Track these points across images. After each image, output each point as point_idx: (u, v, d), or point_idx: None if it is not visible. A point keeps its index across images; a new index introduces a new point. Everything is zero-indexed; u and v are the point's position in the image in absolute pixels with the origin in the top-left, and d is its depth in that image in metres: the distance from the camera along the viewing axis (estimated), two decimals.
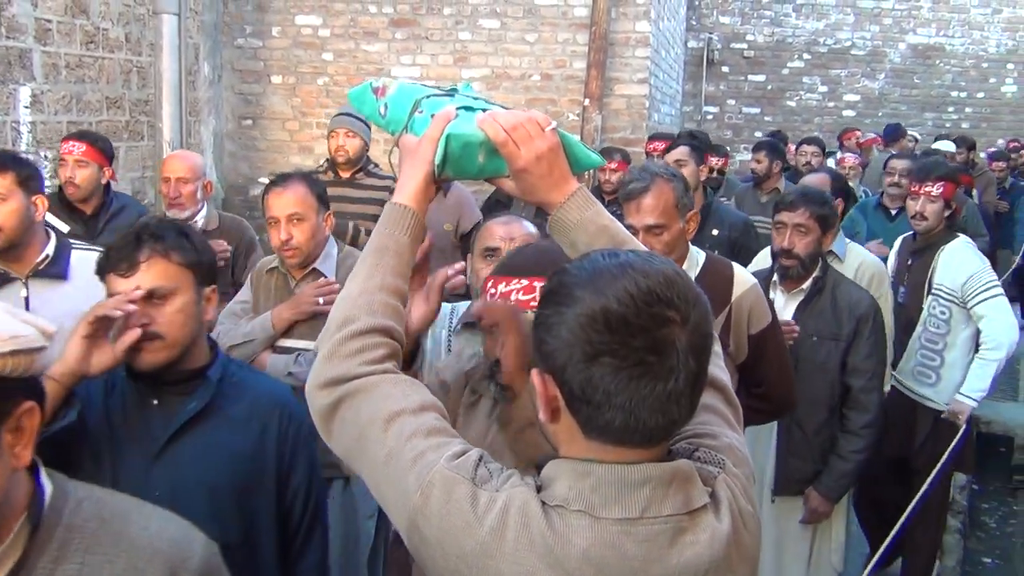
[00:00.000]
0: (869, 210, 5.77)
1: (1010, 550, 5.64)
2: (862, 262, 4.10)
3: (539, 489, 1.21)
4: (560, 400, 1.19)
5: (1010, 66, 12.42)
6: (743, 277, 2.81)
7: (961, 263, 4.04)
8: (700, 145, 5.34)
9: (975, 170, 8.45)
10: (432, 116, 1.50)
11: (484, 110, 1.50)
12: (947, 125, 12.24)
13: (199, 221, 4.02)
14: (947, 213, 4.18)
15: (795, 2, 12.48)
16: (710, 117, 12.55)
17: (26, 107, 5.35)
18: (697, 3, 12.37)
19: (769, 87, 12.60)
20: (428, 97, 1.56)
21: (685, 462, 1.22)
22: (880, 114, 12.47)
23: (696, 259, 2.83)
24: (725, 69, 12.56)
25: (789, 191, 4.36)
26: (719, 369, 1.43)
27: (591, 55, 7.30)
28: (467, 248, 4.67)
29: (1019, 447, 6.59)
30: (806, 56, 12.54)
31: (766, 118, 12.52)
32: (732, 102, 12.63)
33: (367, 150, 4.88)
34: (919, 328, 4.17)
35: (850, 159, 7.70)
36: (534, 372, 1.23)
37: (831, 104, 12.60)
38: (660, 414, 1.15)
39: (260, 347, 3.11)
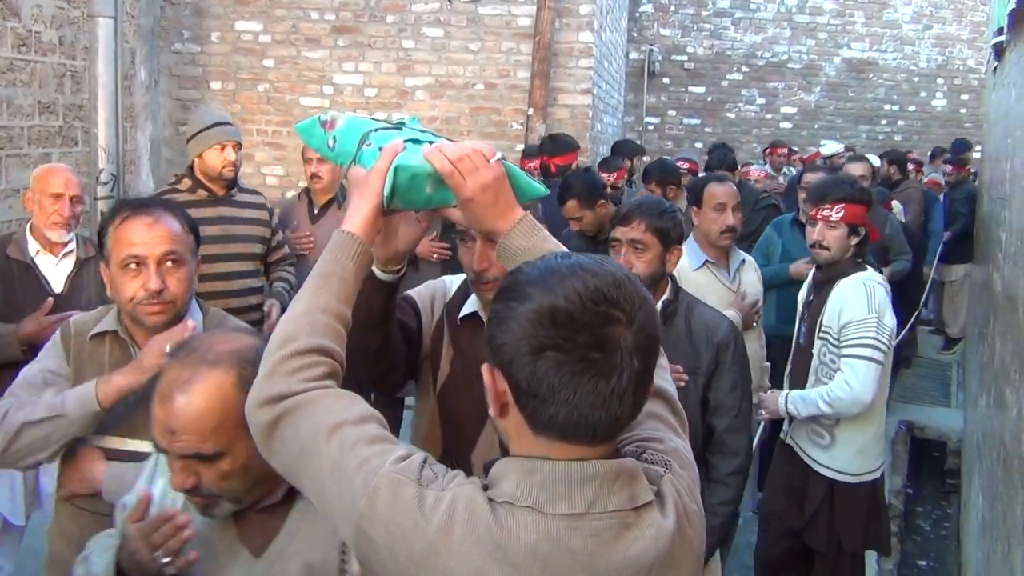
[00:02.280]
0: (784, 228, 5.08)
1: (944, 552, 5.77)
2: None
3: (486, 488, 1.23)
4: (508, 395, 1.22)
5: (940, 81, 12.78)
6: None
7: (847, 304, 3.38)
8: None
9: (900, 185, 8.11)
10: (380, 149, 1.53)
11: (431, 143, 1.53)
12: (880, 137, 12.55)
13: (72, 246, 3.53)
14: (854, 240, 3.49)
15: (734, 16, 12.69)
16: (651, 128, 12.69)
17: None
18: (638, 15, 12.51)
19: (709, 99, 12.79)
20: (376, 131, 1.59)
21: (631, 460, 1.25)
22: (816, 126, 12.74)
23: None
24: (666, 81, 12.71)
25: (624, 204, 4.20)
26: (665, 381, 1.47)
27: (535, 65, 7.32)
28: None
29: (952, 452, 6.76)
30: (744, 69, 12.75)
31: (706, 129, 12.70)
32: (673, 113, 12.78)
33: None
34: (811, 378, 3.56)
35: (755, 172, 7.31)
36: (484, 367, 1.26)
37: (768, 116, 12.82)
38: (603, 410, 1.17)
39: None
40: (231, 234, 4.05)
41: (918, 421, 6.96)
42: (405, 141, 1.52)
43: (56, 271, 3.46)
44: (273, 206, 4.51)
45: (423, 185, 1.50)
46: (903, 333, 5.63)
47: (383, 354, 1.95)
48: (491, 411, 1.27)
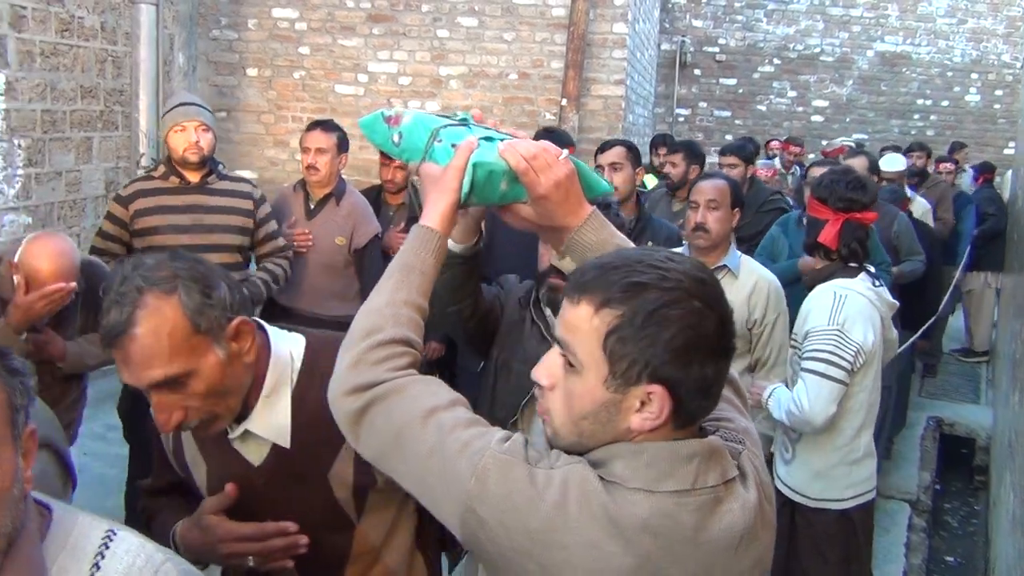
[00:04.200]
0: (791, 226, 4.81)
1: (972, 549, 5.78)
2: (757, 280, 3.38)
3: (593, 467, 1.28)
4: (668, 411, 1.25)
5: (974, 75, 12.66)
6: None
7: (811, 311, 3.10)
8: (637, 149, 5.09)
9: (928, 180, 7.87)
10: (453, 145, 1.55)
11: (502, 139, 1.57)
12: (913, 132, 12.45)
13: None
14: (845, 246, 3.17)
15: (766, 7, 12.63)
16: (681, 119, 12.67)
17: (0, 94, 5.28)
18: (670, 6, 12.48)
19: (740, 91, 12.75)
20: (445, 127, 1.61)
21: (717, 438, 1.31)
22: (848, 120, 12.67)
23: None
24: (697, 72, 12.68)
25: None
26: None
27: (569, 55, 7.35)
28: (361, 264, 4.42)
29: (981, 448, 6.75)
30: (776, 61, 12.70)
31: (736, 121, 12.66)
32: (703, 105, 12.75)
33: (214, 147, 4.05)
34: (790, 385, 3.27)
35: (762, 171, 6.96)
36: (650, 386, 1.25)
37: (800, 109, 12.76)
38: (718, 391, 1.30)
39: None
40: (204, 224, 3.83)
41: (947, 417, 6.96)
42: (480, 139, 1.55)
43: None
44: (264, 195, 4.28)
45: (498, 182, 1.54)
46: (913, 339, 5.42)
47: (472, 317, 2.30)
48: (645, 427, 1.27)
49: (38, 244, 2.93)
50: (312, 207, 4.44)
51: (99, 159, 6.33)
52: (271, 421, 1.70)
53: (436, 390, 1.39)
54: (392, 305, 1.47)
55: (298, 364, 1.73)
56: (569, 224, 1.55)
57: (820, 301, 3.08)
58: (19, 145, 5.45)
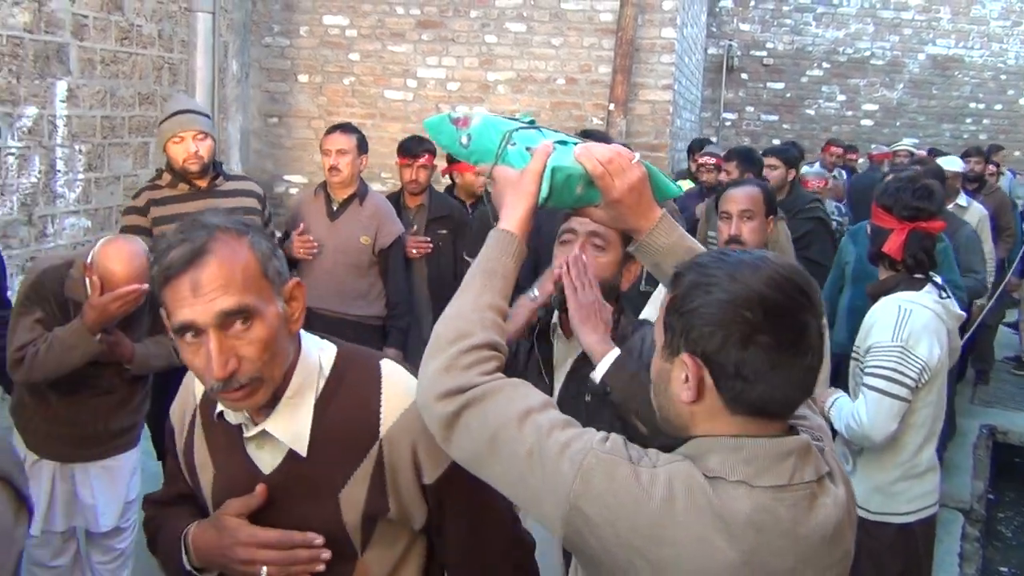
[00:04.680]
0: (860, 236, 4.60)
1: None
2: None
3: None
4: (708, 380, 1.31)
5: None
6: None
7: (875, 326, 3.01)
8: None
9: (986, 187, 7.60)
10: (527, 149, 1.58)
11: (575, 143, 1.59)
12: (965, 136, 12.25)
13: None
14: (911, 256, 3.08)
15: (815, 11, 12.53)
16: (728, 124, 12.60)
17: (62, 101, 5.43)
18: (717, 10, 12.42)
19: (788, 95, 12.65)
20: (517, 130, 1.63)
21: (807, 436, 1.36)
22: (898, 124, 12.51)
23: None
24: (744, 76, 12.61)
25: None
26: None
27: (617, 60, 7.36)
28: (386, 264, 4.46)
29: None
30: (825, 65, 12.58)
31: (784, 126, 12.57)
32: (751, 109, 12.67)
33: (215, 149, 4.04)
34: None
35: (813, 182, 6.73)
36: (685, 355, 1.34)
37: (849, 113, 12.63)
38: (800, 388, 1.32)
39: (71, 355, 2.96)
40: None
41: (1000, 426, 6.84)
42: (555, 143, 1.57)
43: None
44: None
45: (575, 185, 1.56)
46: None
47: None
48: (685, 396, 1.34)
49: (112, 247, 3.02)
50: (335, 208, 4.46)
51: (155, 164, 6.47)
52: (290, 425, 1.59)
53: (527, 392, 1.43)
54: (478, 310, 1.50)
55: (327, 372, 1.64)
56: (641, 227, 1.59)
57: (884, 315, 2.99)
58: (80, 151, 5.59)
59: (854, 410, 2.97)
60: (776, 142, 11.17)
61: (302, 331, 1.66)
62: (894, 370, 2.91)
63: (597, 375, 1.85)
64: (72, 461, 3.28)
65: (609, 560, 1.31)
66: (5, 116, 4.99)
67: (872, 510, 3.06)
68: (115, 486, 3.37)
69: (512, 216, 1.56)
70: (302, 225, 4.41)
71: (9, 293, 3.75)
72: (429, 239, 4.74)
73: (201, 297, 1.43)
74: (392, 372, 1.66)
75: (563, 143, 1.59)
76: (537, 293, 2.05)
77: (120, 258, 2.97)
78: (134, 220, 3.90)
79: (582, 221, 2.37)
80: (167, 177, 3.92)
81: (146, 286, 2.99)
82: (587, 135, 5.07)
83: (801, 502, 1.30)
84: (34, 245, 5.24)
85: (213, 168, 3.96)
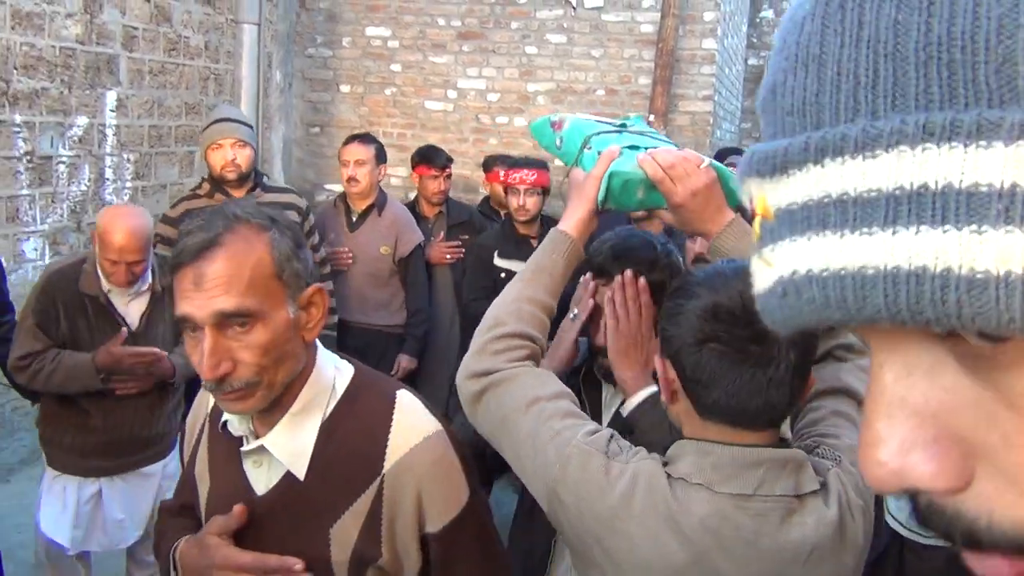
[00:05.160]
0: None
1: None
2: None
3: (664, 464, 1.38)
4: (677, 383, 1.37)
5: None
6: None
7: None
8: None
9: None
10: (599, 153, 1.64)
11: (649, 147, 1.63)
12: None
13: (147, 281, 3.24)
14: None
15: None
16: None
17: (112, 111, 5.55)
18: (758, 20, 12.37)
19: None
20: (598, 134, 1.70)
21: (799, 451, 1.37)
22: None
23: None
24: None
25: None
26: (858, 380, 1.54)
27: (657, 71, 7.36)
28: (406, 273, 4.52)
29: None
30: None
31: None
32: None
33: (255, 160, 3.98)
34: None
35: None
36: (656, 357, 1.42)
37: None
38: (760, 398, 1.31)
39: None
40: None
41: None
42: (624, 147, 1.63)
43: (130, 308, 3.21)
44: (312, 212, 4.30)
45: (635, 189, 1.61)
46: None
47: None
48: (663, 396, 1.43)
49: (115, 213, 3.06)
50: (354, 220, 4.50)
51: (200, 172, 6.58)
52: (291, 443, 1.49)
53: (544, 382, 1.53)
54: (518, 301, 1.60)
55: (339, 393, 1.54)
56: (709, 231, 1.60)
57: None
58: (128, 159, 5.71)
59: None
60: None
61: (321, 347, 1.57)
62: None
63: (626, 410, 1.81)
64: (100, 475, 3.24)
65: (576, 543, 1.41)
66: (57, 126, 5.10)
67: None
68: (145, 497, 3.34)
69: (570, 217, 1.64)
70: (331, 235, 4.48)
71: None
72: (459, 243, 4.81)
73: (202, 292, 1.36)
74: (407, 404, 1.56)
75: (634, 147, 1.63)
76: (577, 311, 1.99)
77: (121, 229, 2.98)
78: (162, 230, 3.85)
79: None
80: (206, 186, 3.93)
81: (165, 354, 3.11)
82: (725, 153, 4.99)
83: (770, 514, 1.31)
84: (83, 252, 5.35)
85: (253, 179, 3.93)
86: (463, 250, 4.79)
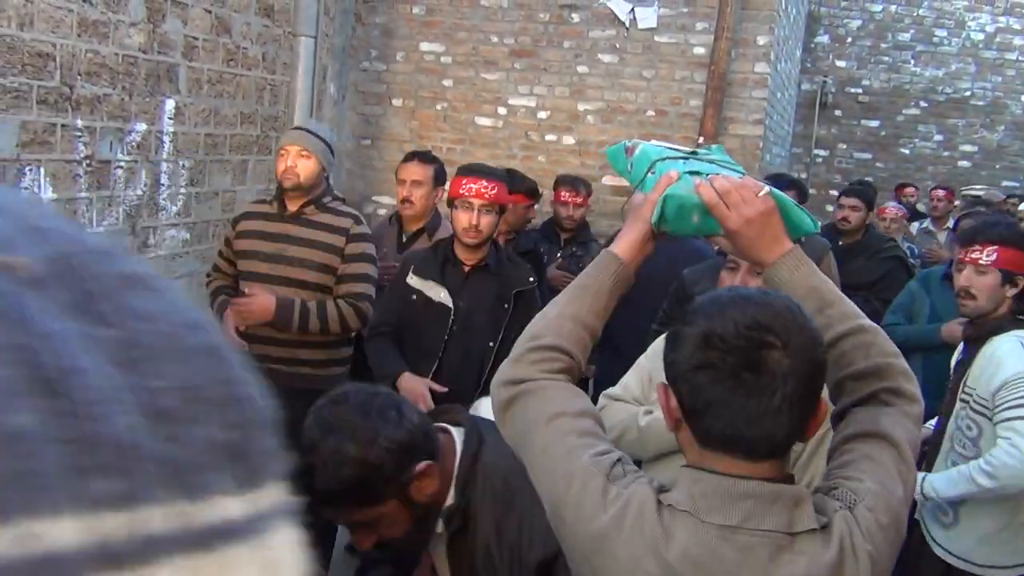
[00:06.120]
0: (934, 284, 4.33)
1: None
2: None
3: (662, 490, 1.40)
4: (678, 410, 1.38)
5: None
6: None
7: (1001, 363, 2.85)
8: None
9: None
10: (660, 176, 1.69)
11: (714, 173, 1.66)
12: None
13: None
14: (1011, 291, 2.99)
15: (914, 49, 12.28)
16: (820, 160, 12.42)
17: (170, 118, 5.67)
18: (813, 46, 12.28)
19: (883, 133, 12.40)
20: (663, 159, 1.73)
21: (799, 488, 1.37)
22: (997, 167, 12.14)
23: None
24: (838, 113, 12.42)
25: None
26: (900, 428, 1.48)
27: (708, 94, 7.34)
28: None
29: None
30: (923, 104, 12.31)
31: (878, 164, 12.32)
32: (843, 146, 12.46)
33: (325, 176, 3.87)
34: (946, 444, 3.07)
35: (891, 210, 6.92)
36: (659, 384, 1.44)
37: (946, 154, 12.31)
38: (756, 427, 1.30)
39: None
40: (287, 256, 3.67)
41: None
42: (685, 172, 1.65)
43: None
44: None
45: (690, 214, 1.63)
46: None
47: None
48: (667, 425, 1.44)
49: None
50: (404, 241, 4.30)
51: (252, 181, 6.70)
52: None
53: (571, 398, 1.54)
54: (560, 318, 1.62)
55: None
56: (764, 260, 1.60)
57: (1010, 351, 2.86)
58: (183, 166, 5.83)
59: (1002, 448, 2.74)
60: (869, 180, 10.97)
61: None
62: None
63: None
64: None
65: (570, 558, 1.45)
66: (116, 131, 5.23)
67: (977, 563, 2.93)
68: None
69: (624, 240, 1.67)
70: (384, 250, 4.29)
71: None
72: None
73: None
74: None
75: (696, 173, 1.65)
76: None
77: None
78: (226, 229, 4.01)
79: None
80: (272, 194, 3.94)
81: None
82: (773, 179, 4.83)
83: (758, 549, 1.29)
84: (136, 255, 5.47)
85: (315, 194, 3.77)
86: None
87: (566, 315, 1.62)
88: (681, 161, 1.72)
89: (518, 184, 4.75)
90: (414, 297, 3.55)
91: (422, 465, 1.70)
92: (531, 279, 3.60)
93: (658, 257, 4.09)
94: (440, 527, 1.80)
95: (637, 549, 1.33)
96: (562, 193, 5.17)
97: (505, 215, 4.65)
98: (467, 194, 3.47)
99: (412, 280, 3.59)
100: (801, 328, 1.32)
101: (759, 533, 1.30)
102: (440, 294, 3.52)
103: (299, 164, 3.68)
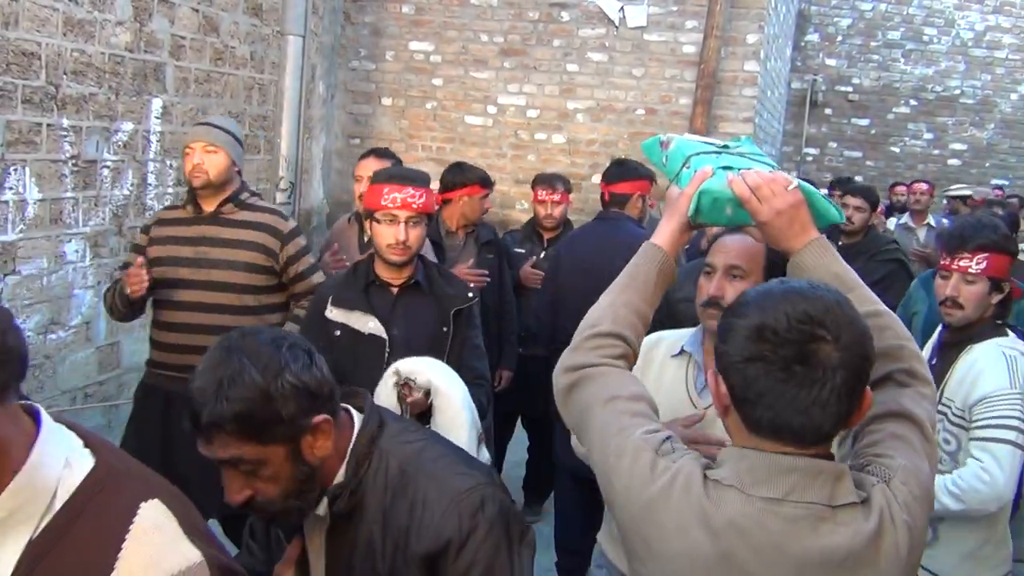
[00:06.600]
0: (932, 284, 4.30)
1: None
2: None
3: (707, 467, 1.46)
4: (727, 397, 1.44)
5: None
6: None
7: (981, 375, 2.73)
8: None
9: None
10: (695, 172, 1.78)
11: (743, 168, 1.76)
12: None
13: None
14: (996, 298, 2.86)
15: (904, 47, 12.31)
16: (810, 159, 12.43)
17: (157, 118, 5.64)
18: (803, 44, 12.30)
19: (873, 131, 12.43)
20: (697, 154, 1.83)
21: (839, 465, 1.42)
22: (987, 165, 12.18)
23: None
24: (828, 111, 12.44)
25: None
26: (919, 407, 1.58)
27: (698, 92, 7.34)
28: None
29: None
30: (912, 102, 12.33)
31: (868, 163, 12.34)
32: (834, 145, 12.48)
33: (237, 171, 3.59)
34: None
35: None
36: (710, 372, 1.50)
37: (936, 152, 12.34)
38: (804, 417, 1.35)
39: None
40: (209, 258, 3.46)
41: None
42: (719, 167, 1.75)
43: None
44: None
45: (724, 207, 1.74)
46: None
47: None
48: (717, 410, 1.51)
49: None
50: (366, 240, 4.00)
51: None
52: None
53: (627, 383, 1.64)
54: (613, 306, 1.73)
55: (59, 502, 1.15)
56: (792, 247, 1.70)
57: (991, 363, 2.74)
58: (171, 165, 5.79)
59: (972, 471, 2.65)
60: (859, 179, 10.99)
61: (53, 431, 1.20)
62: (1020, 419, 2.65)
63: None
64: None
65: (623, 530, 1.52)
66: (103, 131, 5.20)
67: None
68: None
69: (664, 232, 1.78)
70: (336, 245, 4.17)
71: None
72: (487, 272, 4.48)
73: None
74: (149, 527, 1.17)
75: (728, 168, 1.75)
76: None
77: None
78: (139, 237, 3.71)
79: (720, 255, 2.27)
80: (186, 197, 3.65)
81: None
82: (619, 165, 4.76)
83: (800, 520, 1.36)
84: (123, 255, 5.44)
85: (228, 191, 3.56)
86: (488, 279, 4.49)
87: (620, 303, 1.72)
88: (714, 156, 1.81)
89: (468, 174, 4.68)
90: (337, 333, 3.06)
91: (321, 417, 1.58)
92: (470, 294, 3.21)
93: (595, 244, 3.99)
94: (323, 508, 1.67)
95: (684, 518, 1.39)
96: (539, 192, 5.07)
97: (461, 208, 4.62)
98: (391, 205, 3.01)
99: (332, 313, 3.09)
100: (851, 322, 1.38)
101: (802, 505, 1.36)
102: (369, 324, 3.03)
103: (207, 161, 3.46)
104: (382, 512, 1.68)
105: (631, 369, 1.71)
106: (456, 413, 2.49)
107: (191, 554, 1.17)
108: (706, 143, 1.89)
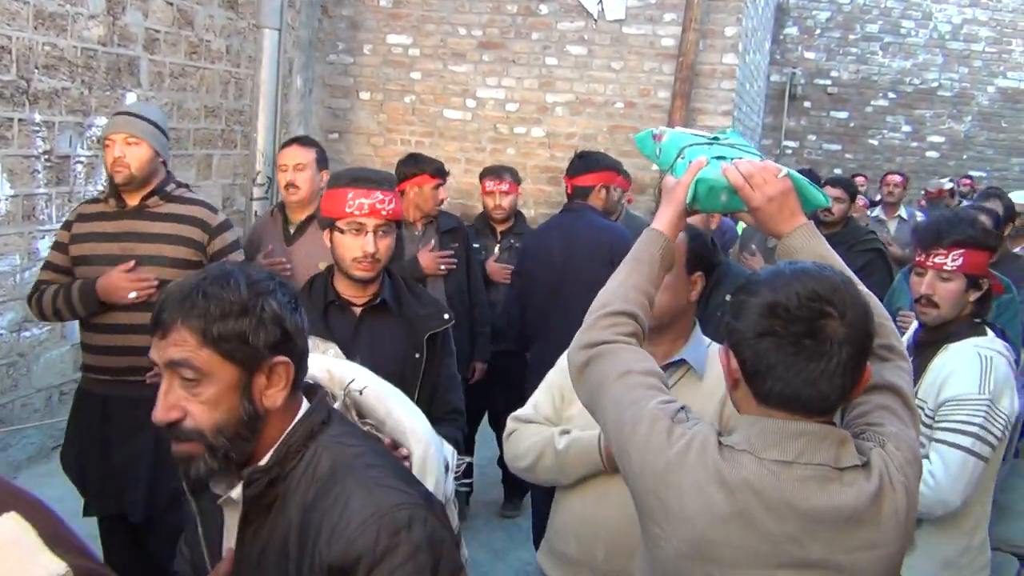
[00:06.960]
0: None
1: None
2: None
3: (720, 434, 1.57)
4: (738, 372, 1.53)
5: None
6: None
7: (953, 375, 2.66)
8: None
9: None
10: (690, 162, 1.88)
11: (735, 158, 1.87)
12: None
13: None
14: (973, 296, 2.77)
15: (882, 40, 12.36)
16: (789, 152, 12.48)
17: None
18: (782, 37, 12.33)
19: (851, 124, 12.48)
20: (691, 146, 1.93)
21: (842, 430, 1.54)
22: (965, 157, 12.26)
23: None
24: (807, 104, 12.48)
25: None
26: (900, 379, 1.71)
27: (676, 85, 7.34)
28: None
29: None
30: (891, 95, 12.39)
31: (847, 155, 12.40)
32: (812, 138, 12.53)
33: (162, 161, 3.39)
34: None
35: (860, 201, 6.90)
36: (720, 348, 1.61)
37: (914, 144, 12.41)
38: (813, 388, 1.46)
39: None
40: (135, 254, 3.27)
41: None
42: (712, 157, 1.86)
43: None
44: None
45: (719, 194, 1.84)
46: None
47: None
48: (726, 384, 1.60)
49: None
50: (291, 233, 3.99)
51: (218, 176, 6.62)
52: None
53: (640, 359, 1.73)
54: (622, 287, 1.83)
55: None
56: (781, 231, 1.82)
57: (964, 364, 2.67)
58: None
59: (929, 484, 2.54)
60: (838, 171, 11.03)
61: None
62: (980, 426, 2.57)
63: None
64: None
65: (637, 496, 1.60)
66: (76, 126, 5.15)
67: None
68: None
69: (662, 218, 1.87)
70: (270, 247, 3.98)
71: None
72: (452, 253, 4.51)
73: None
74: (5, 542, 1.13)
75: (722, 158, 1.86)
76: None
77: None
78: (59, 234, 3.49)
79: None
80: (106, 191, 3.44)
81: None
82: (581, 158, 4.73)
83: (809, 480, 1.47)
84: None
85: (153, 184, 3.37)
86: (455, 261, 4.52)
87: (628, 284, 1.82)
88: (706, 147, 1.91)
89: (420, 165, 4.59)
90: None
91: (282, 359, 1.50)
92: (445, 315, 2.78)
93: (559, 236, 4.07)
94: (237, 492, 1.53)
95: (701, 478, 1.49)
96: (487, 183, 4.98)
97: (414, 199, 4.50)
98: (357, 213, 2.59)
99: None
100: (855, 300, 1.48)
101: (811, 466, 1.47)
102: (329, 352, 2.52)
103: (128, 153, 3.26)
104: (302, 511, 1.52)
105: (641, 346, 1.79)
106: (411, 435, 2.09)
107: (54, 566, 1.11)
108: (698, 135, 1.98)
